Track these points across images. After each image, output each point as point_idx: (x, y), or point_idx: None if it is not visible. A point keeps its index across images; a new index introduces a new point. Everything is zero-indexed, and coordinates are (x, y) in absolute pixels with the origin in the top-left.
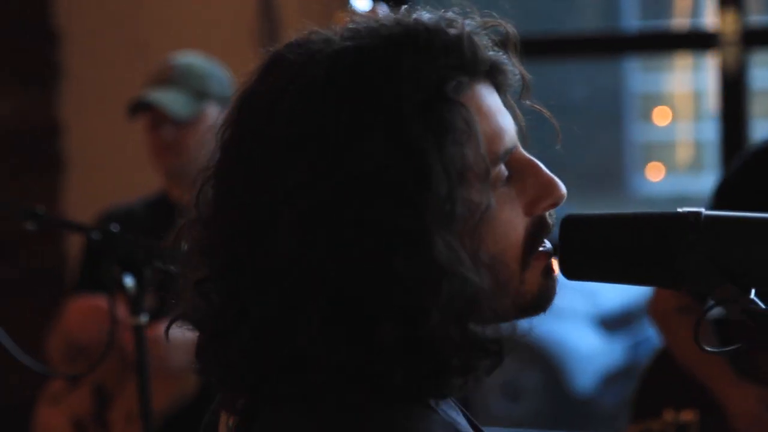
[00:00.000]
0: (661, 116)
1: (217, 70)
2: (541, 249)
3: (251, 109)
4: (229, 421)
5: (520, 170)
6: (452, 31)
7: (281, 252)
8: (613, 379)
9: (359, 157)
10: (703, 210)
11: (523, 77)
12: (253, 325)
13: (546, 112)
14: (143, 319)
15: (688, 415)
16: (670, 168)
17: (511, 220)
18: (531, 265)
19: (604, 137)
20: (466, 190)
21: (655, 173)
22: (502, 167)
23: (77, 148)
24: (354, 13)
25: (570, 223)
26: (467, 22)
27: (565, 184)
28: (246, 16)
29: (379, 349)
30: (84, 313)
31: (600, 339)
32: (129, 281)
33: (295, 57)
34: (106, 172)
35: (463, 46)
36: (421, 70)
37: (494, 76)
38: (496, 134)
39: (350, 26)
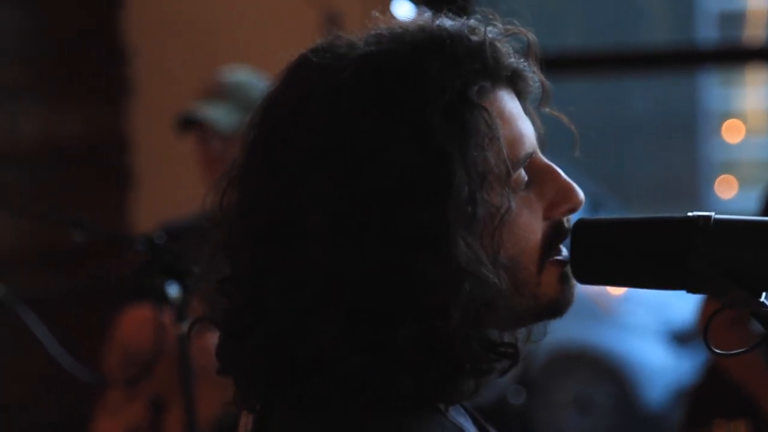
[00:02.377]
0: (733, 132)
1: (265, 84)
2: (558, 257)
3: (277, 113)
4: (247, 421)
5: (539, 175)
6: (475, 37)
7: (306, 258)
8: (683, 394)
9: (385, 162)
10: (713, 214)
11: (543, 85)
12: (270, 327)
13: (564, 119)
14: (186, 327)
15: (739, 426)
16: (744, 184)
17: (530, 224)
18: (547, 269)
19: (678, 153)
20: (488, 193)
21: (726, 189)
22: (522, 172)
23: (146, 163)
24: (379, 18)
25: (582, 227)
26: (489, 29)
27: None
28: (312, 33)
29: (394, 355)
30: (137, 323)
31: (671, 354)
32: (173, 290)
33: (320, 61)
34: (175, 187)
35: (486, 52)
36: (445, 76)
37: (515, 82)
38: (516, 139)
39: (374, 31)
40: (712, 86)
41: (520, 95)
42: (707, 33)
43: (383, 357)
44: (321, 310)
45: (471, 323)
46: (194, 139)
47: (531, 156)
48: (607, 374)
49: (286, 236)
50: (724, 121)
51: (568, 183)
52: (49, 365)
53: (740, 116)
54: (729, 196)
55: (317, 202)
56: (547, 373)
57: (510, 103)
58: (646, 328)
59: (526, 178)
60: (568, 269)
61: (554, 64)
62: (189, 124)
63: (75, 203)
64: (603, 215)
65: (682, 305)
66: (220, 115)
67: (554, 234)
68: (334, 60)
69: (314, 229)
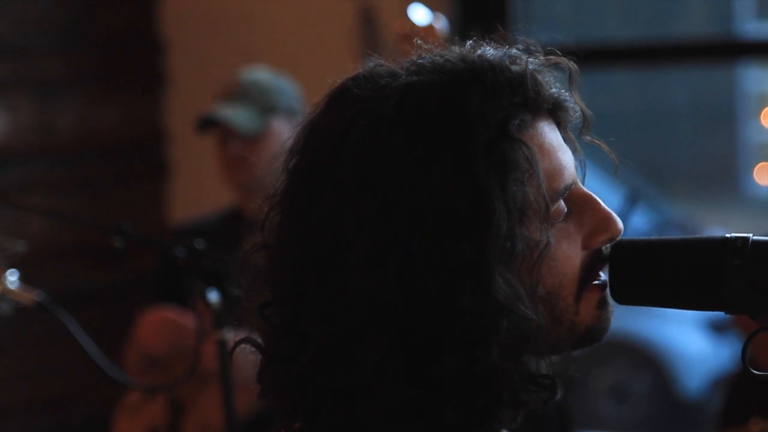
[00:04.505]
0: None
1: (284, 84)
2: (596, 282)
3: (319, 140)
4: None
5: (578, 205)
6: (516, 68)
7: (347, 285)
8: (721, 382)
9: (426, 195)
10: (751, 235)
11: (583, 114)
12: (312, 354)
13: (605, 147)
14: (227, 333)
15: None
16: None
17: (569, 255)
18: (586, 297)
19: (718, 137)
20: (527, 227)
21: (765, 176)
22: (562, 203)
23: (182, 156)
24: (418, 40)
25: (620, 249)
26: (530, 59)
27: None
28: (347, 25)
29: (435, 384)
30: (155, 325)
31: (709, 342)
32: (213, 296)
33: (362, 91)
34: (211, 179)
35: (527, 84)
36: (487, 109)
37: (555, 113)
38: (556, 171)
39: (415, 59)
40: (750, 69)
41: (560, 124)
42: (746, 23)
43: (426, 386)
44: (364, 339)
45: (510, 356)
46: (214, 140)
47: (571, 187)
48: (644, 362)
49: (328, 263)
50: (763, 102)
51: (608, 212)
52: (88, 362)
53: None
54: (766, 182)
55: (359, 231)
56: (585, 361)
57: (550, 134)
58: (684, 316)
59: (565, 209)
60: (607, 294)
61: (595, 55)
62: (208, 125)
63: (111, 195)
64: (641, 206)
65: None
66: (237, 116)
67: (593, 263)
68: (376, 90)
69: (356, 257)
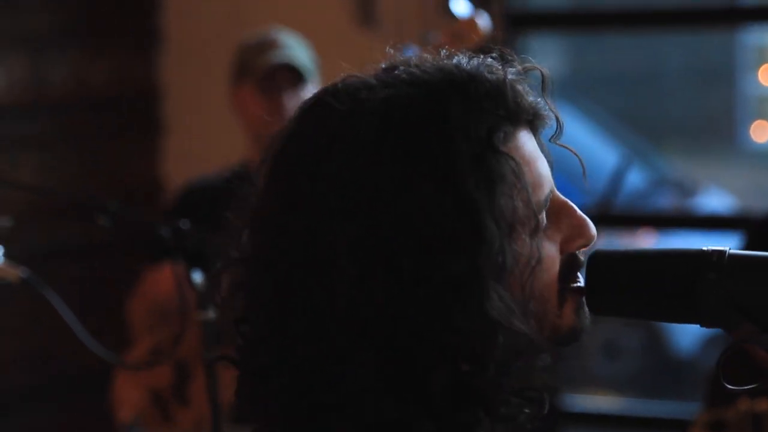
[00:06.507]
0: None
1: (308, 48)
2: (574, 285)
3: (298, 157)
4: None
5: (555, 212)
6: (493, 77)
7: (332, 304)
8: (714, 341)
9: (414, 212)
10: (728, 249)
11: (557, 120)
12: (292, 370)
13: (573, 151)
14: (211, 314)
15: (763, 405)
16: None
17: (550, 261)
18: (567, 300)
19: (716, 92)
20: (515, 241)
21: (761, 133)
22: (543, 213)
23: (177, 112)
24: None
25: (596, 259)
26: (508, 69)
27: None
28: None
29: (420, 400)
30: (169, 279)
31: None
32: (197, 277)
33: (341, 106)
34: (206, 136)
35: (507, 96)
36: (470, 122)
37: (533, 122)
38: (537, 182)
39: (389, 70)
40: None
41: (536, 131)
42: None
43: (413, 403)
44: (349, 357)
45: (503, 372)
46: (263, 88)
47: (550, 196)
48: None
49: (312, 281)
50: (763, 56)
51: (583, 219)
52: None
53: None
54: (763, 139)
55: (346, 250)
56: None
57: (529, 144)
58: None
59: (545, 219)
60: (583, 299)
61: (594, 20)
62: (277, 70)
63: (104, 150)
64: (637, 165)
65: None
66: (306, 60)
67: (570, 267)
68: (355, 105)
69: (342, 276)
